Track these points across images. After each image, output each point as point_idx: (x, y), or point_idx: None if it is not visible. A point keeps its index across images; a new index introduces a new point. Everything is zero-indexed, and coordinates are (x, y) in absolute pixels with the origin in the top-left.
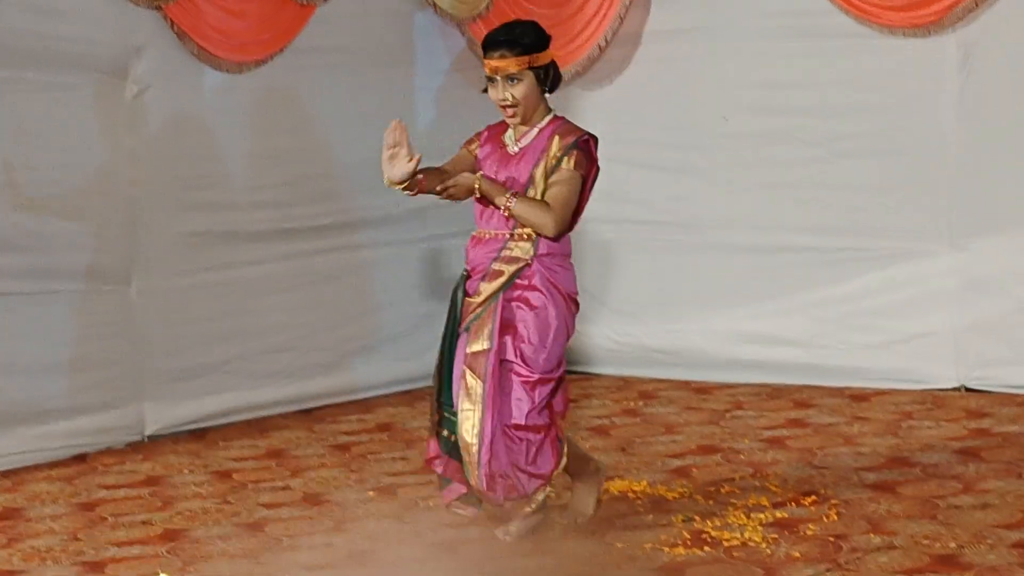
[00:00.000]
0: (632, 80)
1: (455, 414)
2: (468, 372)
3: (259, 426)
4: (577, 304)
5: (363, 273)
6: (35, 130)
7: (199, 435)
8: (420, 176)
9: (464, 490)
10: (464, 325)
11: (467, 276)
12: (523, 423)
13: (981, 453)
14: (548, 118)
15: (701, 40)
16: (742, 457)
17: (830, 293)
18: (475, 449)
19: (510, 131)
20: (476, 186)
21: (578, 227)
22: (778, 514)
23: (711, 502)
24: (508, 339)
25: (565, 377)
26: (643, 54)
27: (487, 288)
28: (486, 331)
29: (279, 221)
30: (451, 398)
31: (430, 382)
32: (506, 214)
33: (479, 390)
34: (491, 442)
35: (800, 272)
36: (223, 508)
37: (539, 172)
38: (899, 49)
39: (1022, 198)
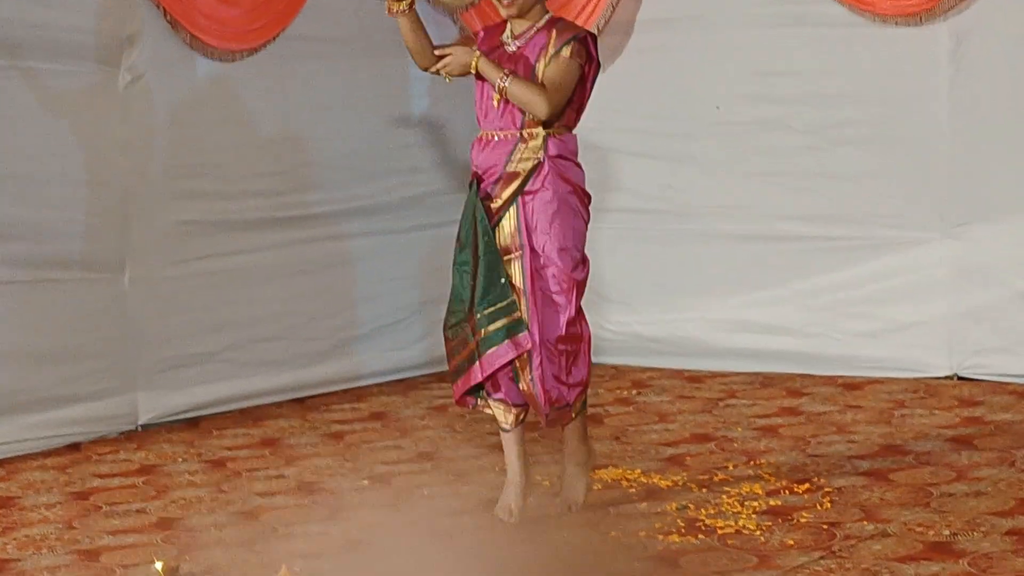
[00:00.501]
0: (625, 69)
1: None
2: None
3: (253, 415)
4: (589, 197)
5: (356, 262)
6: (27, 118)
7: (193, 424)
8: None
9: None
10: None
11: (479, 180)
12: (563, 333)
13: (974, 441)
14: (546, 17)
15: (694, 29)
16: (735, 445)
17: (823, 281)
18: (526, 354)
19: (507, 30)
20: (474, 61)
21: (579, 124)
22: (772, 502)
23: (705, 490)
24: (535, 241)
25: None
26: (636, 43)
27: (505, 191)
28: (513, 237)
29: (272, 210)
30: (485, 299)
31: (424, 371)
32: (502, 93)
33: (520, 299)
34: (539, 346)
35: (793, 260)
36: (217, 497)
37: (540, 67)
38: (892, 38)
39: (1015, 186)
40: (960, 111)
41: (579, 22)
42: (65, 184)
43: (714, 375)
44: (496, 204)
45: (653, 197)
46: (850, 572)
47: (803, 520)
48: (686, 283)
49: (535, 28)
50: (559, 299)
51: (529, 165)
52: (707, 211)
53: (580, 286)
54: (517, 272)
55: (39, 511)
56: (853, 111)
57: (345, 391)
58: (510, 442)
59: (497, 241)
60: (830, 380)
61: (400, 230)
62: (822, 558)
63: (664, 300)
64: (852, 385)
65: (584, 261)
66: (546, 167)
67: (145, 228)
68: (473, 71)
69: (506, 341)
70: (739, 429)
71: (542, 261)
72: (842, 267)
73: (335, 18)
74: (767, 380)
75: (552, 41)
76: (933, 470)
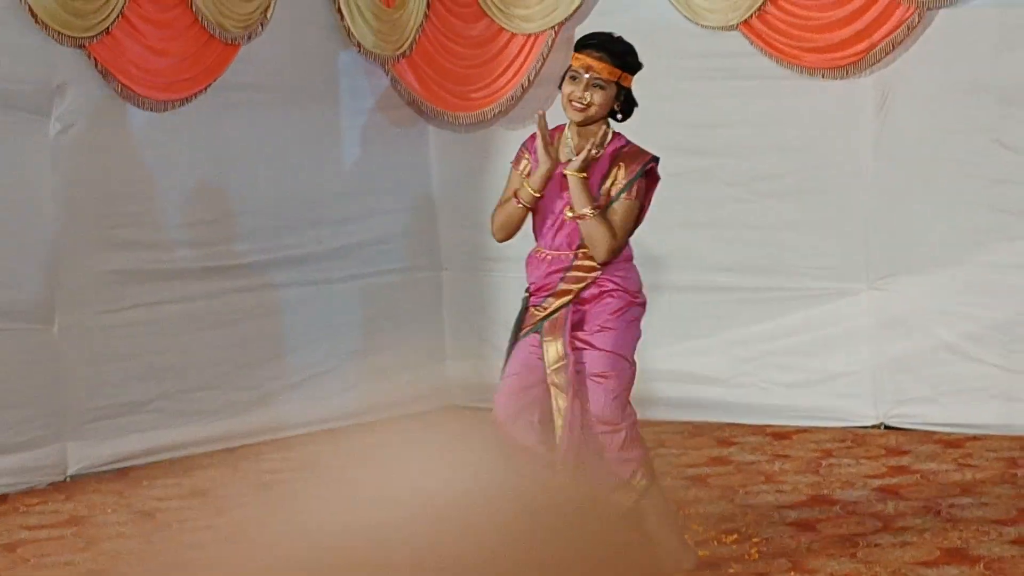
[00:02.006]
0: (555, 120)
1: None
2: (553, 389)
3: (183, 465)
4: (644, 307)
5: (286, 311)
6: None
7: (122, 474)
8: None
9: None
10: (526, 331)
11: (529, 295)
12: (601, 421)
13: (900, 491)
14: (609, 135)
15: None
16: (664, 495)
17: (751, 332)
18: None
19: (566, 138)
20: (571, 174)
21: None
22: (701, 552)
23: None
24: (580, 348)
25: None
26: None
27: (555, 302)
28: (558, 347)
29: (202, 259)
30: None
31: (353, 420)
32: (576, 218)
33: (564, 402)
34: (570, 425)
35: (722, 311)
36: (147, 548)
37: (602, 195)
38: (819, 90)
39: (938, 237)
40: (885, 164)
41: (510, 74)
42: None
43: (644, 424)
44: (540, 314)
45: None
46: None
47: (731, 571)
48: None
49: (599, 149)
50: (596, 389)
51: (582, 284)
52: (637, 261)
53: (622, 379)
54: (563, 380)
55: None
56: (781, 163)
57: (275, 441)
58: None
59: (545, 352)
60: (759, 429)
61: (331, 280)
62: None
63: None
64: (780, 434)
65: (629, 364)
66: (603, 280)
67: (75, 277)
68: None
69: None
70: (668, 479)
71: (583, 357)
72: (770, 318)
73: (267, 68)
74: (696, 429)
75: (619, 171)
76: (860, 520)
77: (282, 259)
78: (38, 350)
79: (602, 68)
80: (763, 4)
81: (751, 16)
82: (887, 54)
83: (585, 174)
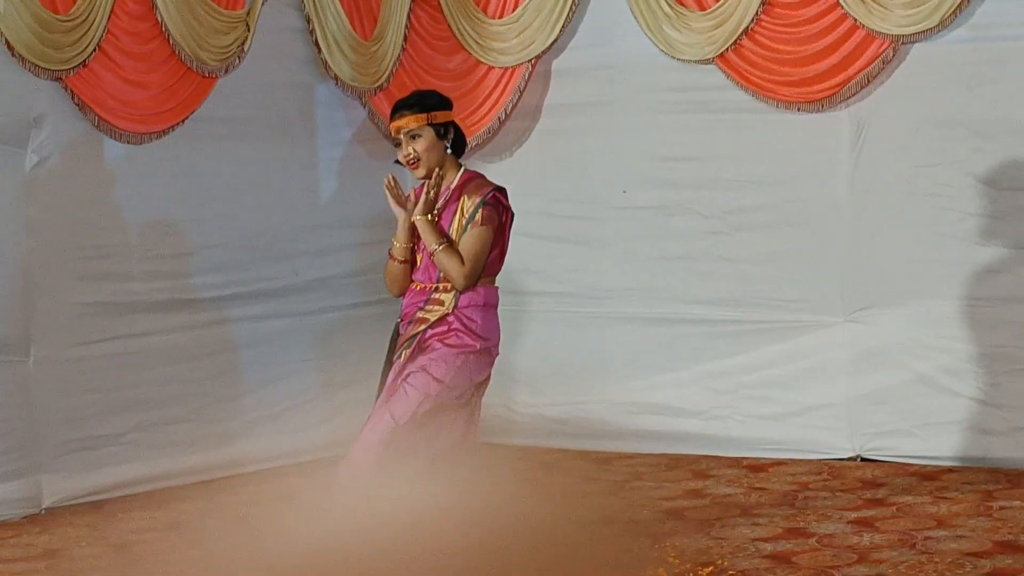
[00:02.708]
0: (532, 152)
1: None
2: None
3: (158, 497)
4: (489, 353)
5: (262, 344)
6: None
7: (97, 507)
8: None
9: None
10: (397, 354)
11: (398, 325)
12: (395, 420)
13: (876, 523)
14: (459, 176)
15: (600, 113)
16: (641, 528)
17: (727, 364)
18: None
19: (427, 190)
20: (413, 219)
21: (502, 268)
22: None
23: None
24: (413, 366)
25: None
26: (543, 127)
27: (411, 330)
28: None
29: (178, 292)
30: None
31: (328, 452)
32: (429, 255)
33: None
34: (370, 427)
35: (697, 343)
36: None
37: (453, 231)
38: (794, 124)
39: (913, 270)
40: (860, 196)
41: (488, 107)
42: None
43: (621, 456)
44: (404, 338)
45: (559, 279)
46: None
47: None
48: (592, 365)
49: (449, 189)
50: (401, 392)
51: (435, 316)
52: (613, 294)
53: (422, 396)
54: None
55: None
56: (756, 196)
57: (252, 473)
58: None
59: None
60: (735, 462)
61: (307, 312)
62: None
63: (570, 382)
64: (757, 467)
65: (444, 391)
66: (451, 316)
67: (50, 309)
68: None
69: None
70: (645, 511)
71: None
72: (746, 350)
73: (244, 101)
74: (673, 462)
75: (465, 203)
76: (835, 552)
77: (259, 291)
78: (13, 382)
79: (406, 122)
80: (739, 38)
81: (727, 50)
82: (862, 88)
83: (428, 216)
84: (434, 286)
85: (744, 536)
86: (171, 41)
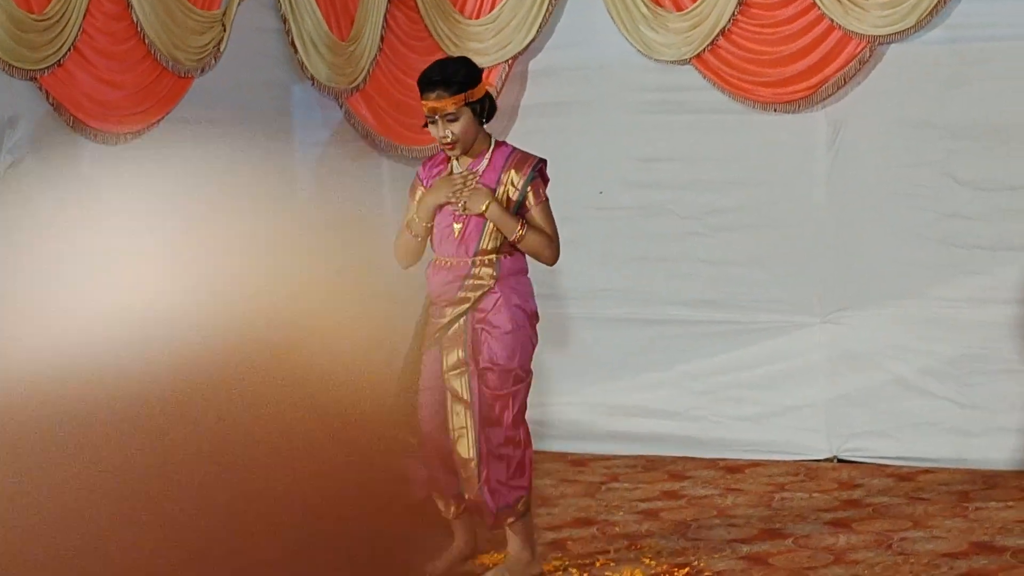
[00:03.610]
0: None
1: None
2: (451, 395)
3: None
4: (537, 317)
5: None
6: None
7: None
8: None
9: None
10: (429, 342)
11: (430, 304)
12: (502, 440)
13: (852, 524)
14: (492, 146)
15: (577, 114)
16: (617, 530)
17: (704, 365)
18: (473, 464)
19: (455, 164)
20: (485, 205)
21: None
22: None
23: (586, 575)
24: (480, 360)
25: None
26: (519, 127)
27: (452, 312)
28: (458, 353)
29: None
30: None
31: None
32: (515, 242)
33: (466, 412)
34: (486, 456)
35: (675, 345)
36: None
37: (499, 195)
38: (771, 124)
39: (890, 272)
40: (838, 198)
41: None
42: None
43: (597, 458)
44: (441, 322)
45: (537, 280)
46: None
47: None
48: (568, 366)
49: (486, 160)
50: (498, 411)
51: (480, 292)
52: (589, 295)
53: (519, 396)
54: (464, 387)
55: None
56: (733, 197)
57: None
58: (457, 526)
59: (444, 358)
60: (712, 463)
61: None
62: None
63: (546, 383)
64: (733, 468)
65: (526, 376)
66: (497, 289)
67: None
68: (480, 212)
69: None
70: (621, 513)
71: (487, 377)
72: (723, 351)
73: (220, 101)
74: (650, 463)
75: (513, 177)
76: (811, 553)
77: None
78: None
79: (445, 104)
80: (716, 38)
81: (704, 50)
82: (839, 88)
83: (485, 206)
84: (471, 260)
85: (720, 537)
86: (147, 41)
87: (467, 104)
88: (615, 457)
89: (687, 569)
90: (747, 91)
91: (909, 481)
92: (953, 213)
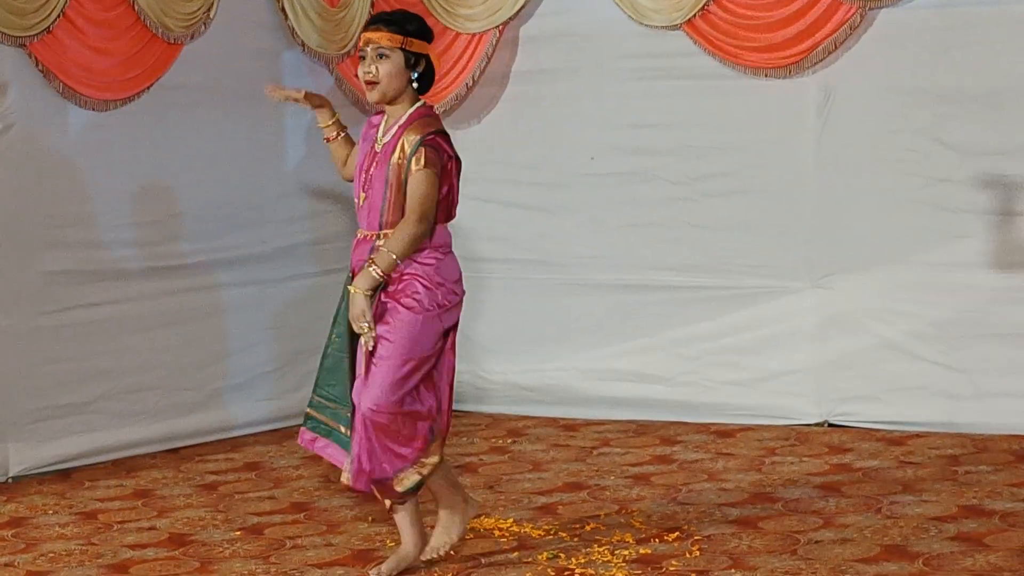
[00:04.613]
0: (499, 119)
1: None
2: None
3: (126, 466)
4: (456, 292)
5: (230, 312)
6: None
7: (64, 475)
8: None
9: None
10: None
11: (350, 276)
12: (374, 406)
13: (842, 488)
14: (410, 110)
15: (568, 80)
16: (608, 494)
17: (694, 331)
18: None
19: (383, 123)
20: (352, 289)
21: (455, 218)
22: (642, 550)
23: (576, 539)
24: (379, 328)
25: (434, 371)
26: (510, 93)
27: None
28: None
29: (145, 260)
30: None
31: (298, 421)
32: (389, 270)
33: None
34: (360, 434)
35: (664, 310)
36: (87, 549)
37: (392, 167)
38: (761, 90)
39: (879, 236)
40: (827, 162)
41: (455, 73)
42: None
43: (588, 423)
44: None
45: (528, 247)
46: None
47: (672, 568)
48: (560, 332)
49: (398, 124)
50: (376, 378)
51: None
52: (580, 261)
53: (404, 367)
54: (360, 347)
55: None
56: (723, 162)
57: (219, 441)
58: (399, 512)
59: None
60: (703, 428)
61: (274, 280)
62: None
63: (539, 349)
64: (724, 432)
65: (420, 352)
66: (402, 266)
67: (15, 278)
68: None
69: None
70: (612, 477)
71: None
72: (713, 316)
73: (210, 68)
74: (641, 428)
75: (404, 142)
76: (801, 517)
77: (226, 259)
78: None
79: (380, 37)
80: (706, 4)
81: (694, 16)
82: (829, 54)
83: (365, 290)
84: (377, 234)
85: (710, 502)
86: (136, 8)
87: (402, 49)
88: (606, 422)
89: (677, 533)
90: (737, 56)
91: (899, 445)
92: (942, 177)
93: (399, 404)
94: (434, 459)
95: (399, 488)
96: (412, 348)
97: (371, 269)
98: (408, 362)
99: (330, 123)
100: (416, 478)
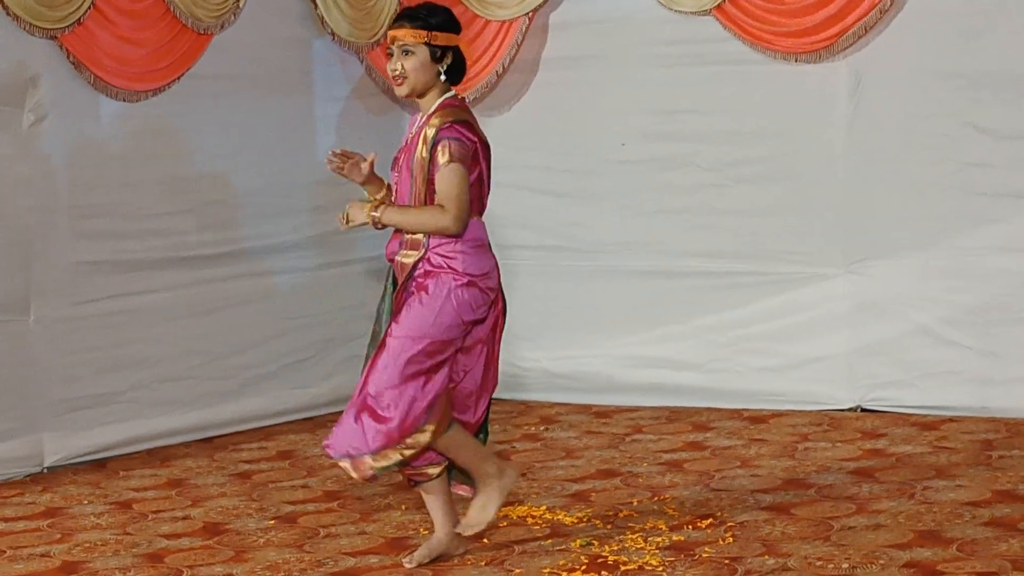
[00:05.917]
0: (530, 106)
1: None
2: None
3: (160, 455)
4: (481, 287)
5: (262, 300)
6: None
7: (99, 465)
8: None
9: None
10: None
11: (391, 274)
12: (374, 392)
13: (875, 474)
14: (437, 103)
15: (598, 67)
16: (640, 481)
17: (727, 317)
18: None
19: (419, 117)
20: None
21: (487, 208)
22: (675, 537)
23: (609, 526)
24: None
25: (446, 361)
26: (541, 80)
27: (400, 278)
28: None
29: (177, 249)
30: None
31: (331, 409)
32: (391, 224)
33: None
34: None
35: (697, 296)
36: (123, 539)
37: (416, 159)
38: (793, 75)
39: (911, 221)
40: (859, 148)
41: (485, 60)
42: None
43: (621, 410)
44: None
45: (559, 234)
46: None
47: (705, 555)
48: (593, 319)
49: (425, 116)
50: (382, 362)
51: (413, 259)
52: (612, 248)
53: (411, 350)
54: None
55: None
56: (754, 148)
57: (252, 430)
58: (429, 494)
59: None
60: (735, 414)
61: (306, 268)
62: None
63: (572, 336)
64: (757, 419)
65: (432, 340)
66: (427, 256)
67: (49, 268)
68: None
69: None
70: (644, 464)
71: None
72: (745, 302)
73: (240, 57)
74: (673, 415)
75: (426, 134)
76: (834, 503)
77: (258, 248)
78: (13, 341)
79: (404, 34)
80: None
81: (725, 1)
82: (860, 38)
83: (366, 220)
84: None
85: (743, 488)
86: None
87: (427, 44)
88: (639, 409)
89: (710, 520)
90: (768, 41)
91: (932, 430)
92: (974, 162)
93: (397, 383)
94: (423, 438)
95: (377, 465)
96: (417, 331)
97: (374, 214)
98: (411, 345)
99: (379, 198)
100: (397, 458)
